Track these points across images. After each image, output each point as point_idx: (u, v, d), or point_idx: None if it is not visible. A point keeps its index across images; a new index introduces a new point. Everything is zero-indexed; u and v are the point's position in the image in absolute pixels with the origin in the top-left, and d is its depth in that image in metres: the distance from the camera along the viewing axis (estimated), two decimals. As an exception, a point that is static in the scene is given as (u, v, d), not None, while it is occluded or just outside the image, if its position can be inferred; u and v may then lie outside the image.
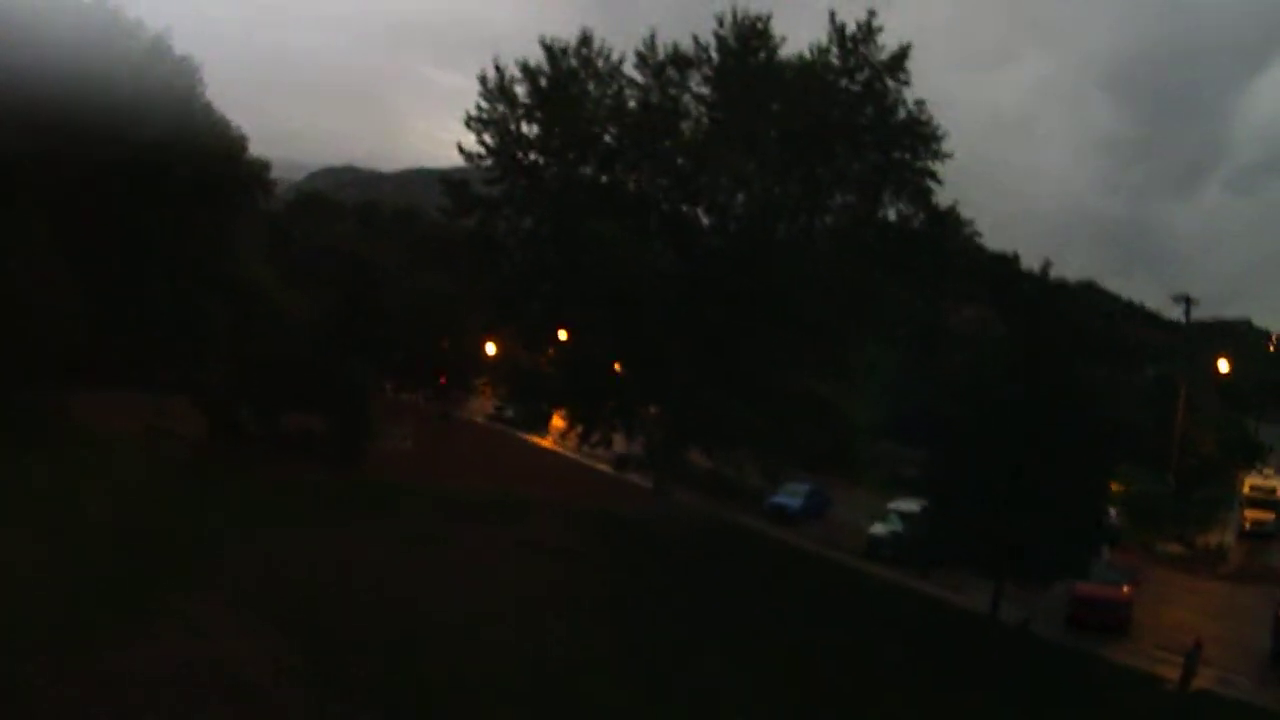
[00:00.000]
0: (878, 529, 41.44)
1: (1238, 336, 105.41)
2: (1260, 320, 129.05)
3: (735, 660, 25.75)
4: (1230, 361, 60.22)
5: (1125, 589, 35.91)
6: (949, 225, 40.95)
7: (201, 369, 44.98)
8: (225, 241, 55.94)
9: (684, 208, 41.21)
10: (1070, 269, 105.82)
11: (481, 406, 73.82)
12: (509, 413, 67.86)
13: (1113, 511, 44.19)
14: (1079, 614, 34.81)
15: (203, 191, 51.77)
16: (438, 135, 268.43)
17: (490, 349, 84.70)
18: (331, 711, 17.28)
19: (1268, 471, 60.52)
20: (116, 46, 51.10)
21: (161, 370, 45.66)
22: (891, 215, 41.52)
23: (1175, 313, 62.40)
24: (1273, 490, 55.01)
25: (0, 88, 46.22)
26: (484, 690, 19.86)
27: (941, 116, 40.42)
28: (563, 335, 44.09)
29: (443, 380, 72.10)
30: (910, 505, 39.41)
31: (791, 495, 46.86)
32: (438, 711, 18.80)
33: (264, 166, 58.91)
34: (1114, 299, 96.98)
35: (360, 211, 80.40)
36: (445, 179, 42.53)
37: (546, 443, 63.50)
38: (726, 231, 40.67)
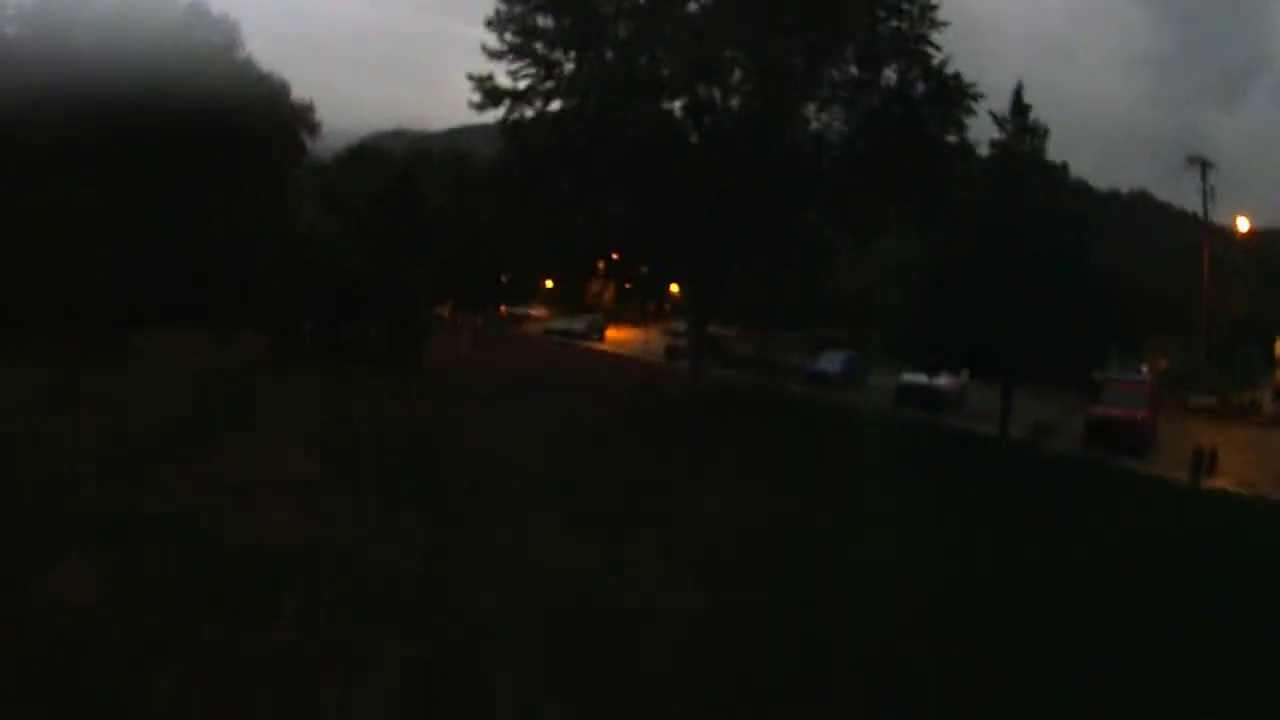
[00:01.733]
0: (907, 378, 43.91)
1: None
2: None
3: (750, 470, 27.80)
4: (1250, 220, 60.00)
5: (1142, 412, 37.50)
6: (951, 89, 42.62)
7: (256, 297, 48.68)
8: (276, 184, 59.91)
9: (699, 89, 43.58)
10: (1122, 181, 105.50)
11: (538, 329, 77.52)
12: (562, 326, 71.66)
13: (1144, 368, 45.77)
14: (1095, 434, 36.26)
15: (250, 136, 55.53)
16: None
17: (548, 284, 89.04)
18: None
19: None
20: (157, 9, 55.16)
21: (219, 309, 49.59)
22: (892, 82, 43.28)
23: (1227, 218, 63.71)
24: None
25: (54, 54, 50.87)
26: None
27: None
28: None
29: (501, 309, 76.22)
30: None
31: (830, 361, 49.96)
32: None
33: (308, 108, 62.59)
34: (1165, 208, 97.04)
35: (410, 160, 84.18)
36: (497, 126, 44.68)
37: (603, 346, 67.03)
38: (737, 106, 43.02)
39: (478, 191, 70.20)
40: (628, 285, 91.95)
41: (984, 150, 39.77)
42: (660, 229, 44.07)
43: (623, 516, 19.43)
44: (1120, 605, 15.53)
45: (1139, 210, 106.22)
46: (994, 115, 37.32)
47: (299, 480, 19.59)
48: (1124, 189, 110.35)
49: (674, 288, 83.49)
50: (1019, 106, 36.24)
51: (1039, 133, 35.98)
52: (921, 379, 42.28)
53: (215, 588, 12.88)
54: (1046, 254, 33.42)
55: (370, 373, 40.29)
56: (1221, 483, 31.47)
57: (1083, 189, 65.28)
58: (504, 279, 77.68)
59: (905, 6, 42.61)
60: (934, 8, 42.59)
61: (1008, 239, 33.68)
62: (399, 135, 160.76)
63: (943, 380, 42.35)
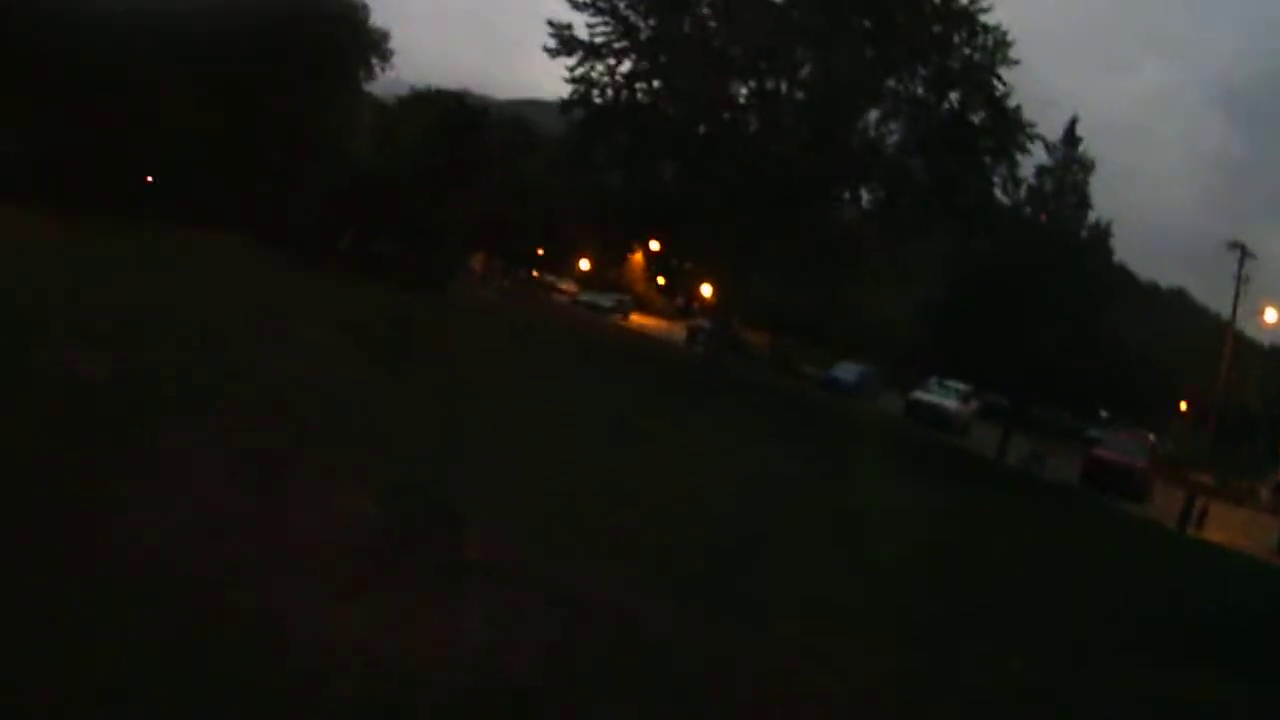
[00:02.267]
0: (918, 394, 44.42)
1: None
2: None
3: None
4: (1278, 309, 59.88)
5: (1143, 462, 37.96)
6: (1009, 121, 43.31)
7: (301, 208, 49.65)
8: (341, 104, 60.96)
9: (766, 78, 44.42)
10: (1164, 277, 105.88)
11: (565, 301, 78.37)
12: (589, 299, 72.43)
13: (1150, 437, 46.24)
14: (1094, 474, 36.51)
15: (324, 50, 56.51)
16: (554, 68, 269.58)
17: (584, 264, 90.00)
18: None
19: None
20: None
21: (261, 215, 50.50)
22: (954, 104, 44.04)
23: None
24: None
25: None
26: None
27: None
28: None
29: (535, 273, 77.32)
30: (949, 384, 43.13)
31: (845, 371, 50.26)
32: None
33: (384, 35, 63.30)
34: (1201, 310, 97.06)
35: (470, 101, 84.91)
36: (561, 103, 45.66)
37: (625, 322, 67.81)
38: (801, 100, 43.83)
39: (532, 155, 71.39)
40: (660, 280, 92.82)
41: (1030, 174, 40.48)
42: (705, 202, 44.76)
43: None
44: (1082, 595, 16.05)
45: (1174, 306, 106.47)
46: (1044, 140, 38.14)
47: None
48: (1164, 285, 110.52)
49: (706, 289, 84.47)
50: (1071, 136, 37.04)
51: (1086, 165, 36.72)
52: (932, 398, 42.81)
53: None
54: (1061, 275, 34.14)
55: (389, 290, 40.92)
56: (1208, 536, 31.78)
57: (1123, 272, 65.90)
58: (540, 249, 79.16)
59: (981, 38, 43.35)
60: (1009, 44, 43.28)
61: (1029, 251, 34.41)
62: (462, 96, 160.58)
63: (952, 402, 42.88)
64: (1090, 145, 42.59)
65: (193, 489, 8.24)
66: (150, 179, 52.06)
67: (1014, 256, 35.20)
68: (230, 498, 8.32)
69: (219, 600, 6.06)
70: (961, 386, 44.34)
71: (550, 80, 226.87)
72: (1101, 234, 37.90)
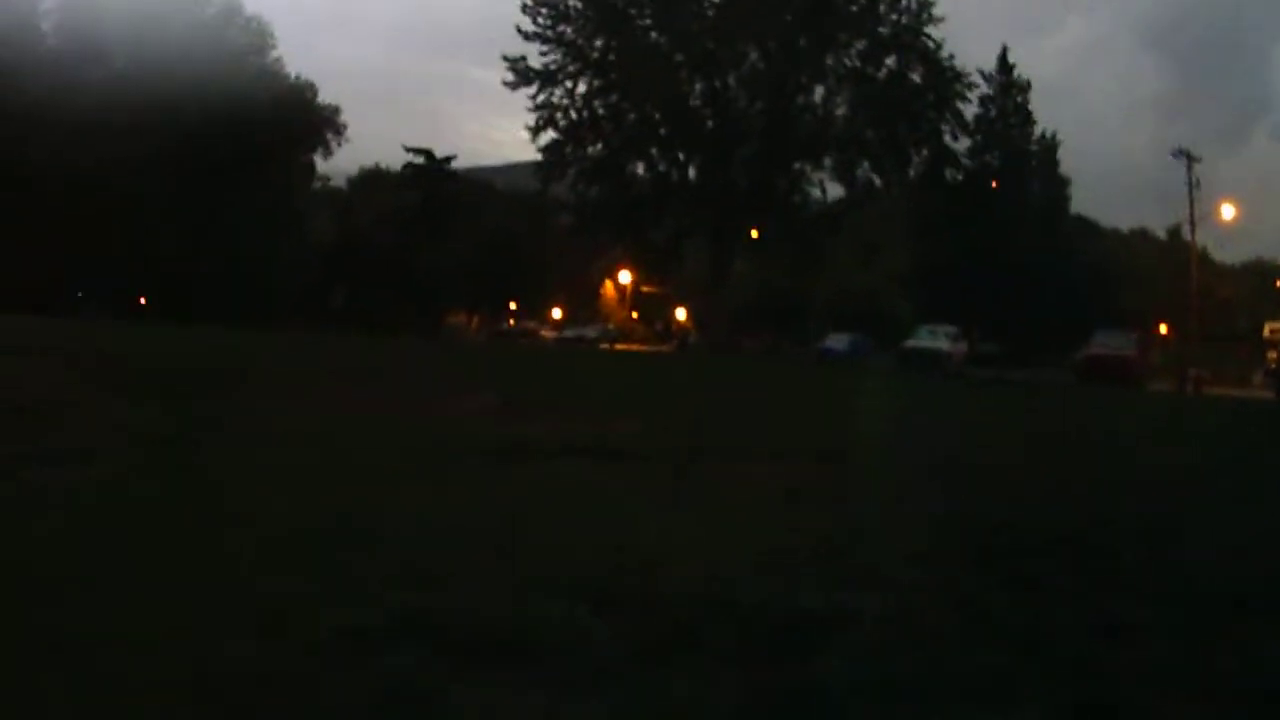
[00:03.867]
0: (909, 343, 47.19)
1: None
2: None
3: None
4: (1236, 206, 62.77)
5: (1133, 351, 40.76)
6: (946, 77, 47.01)
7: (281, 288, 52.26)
8: (300, 184, 64.07)
9: (714, 78, 48.04)
10: (1122, 220, 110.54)
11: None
12: (574, 333, 75.13)
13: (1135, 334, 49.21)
14: (1090, 369, 39.22)
15: (278, 134, 59.50)
16: (491, 135, 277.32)
17: (556, 313, 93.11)
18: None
19: None
20: (190, 7, 59.53)
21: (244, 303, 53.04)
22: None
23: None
24: None
25: (91, 57, 55.07)
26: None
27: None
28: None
29: (511, 322, 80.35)
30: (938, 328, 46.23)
31: (838, 340, 53.29)
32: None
33: (335, 110, 66.28)
34: (1166, 244, 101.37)
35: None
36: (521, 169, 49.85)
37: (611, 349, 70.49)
38: (748, 89, 47.48)
39: (495, 207, 74.74)
40: (635, 314, 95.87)
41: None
42: (679, 197, 48.04)
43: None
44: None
45: (1138, 243, 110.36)
46: (981, 72, 41.76)
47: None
48: (1125, 228, 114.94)
49: (680, 314, 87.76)
50: (1004, 64, 40.68)
51: (1022, 86, 40.32)
52: (924, 343, 45.62)
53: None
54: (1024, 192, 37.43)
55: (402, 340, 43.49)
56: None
57: (1086, 223, 69.81)
58: (513, 301, 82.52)
59: (905, 1, 47.26)
60: (930, 4, 47.15)
61: (990, 178, 37.70)
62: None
63: (943, 344, 45.64)
64: (1034, 105, 46.09)
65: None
66: (144, 299, 54.31)
67: (973, 195, 38.46)
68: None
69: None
70: (949, 329, 47.00)
71: (493, 146, 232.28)
72: (1049, 146, 41.40)
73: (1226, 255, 78.07)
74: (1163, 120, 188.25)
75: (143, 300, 54.67)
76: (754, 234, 49.03)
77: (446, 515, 5.63)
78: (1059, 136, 40.96)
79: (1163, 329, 66.71)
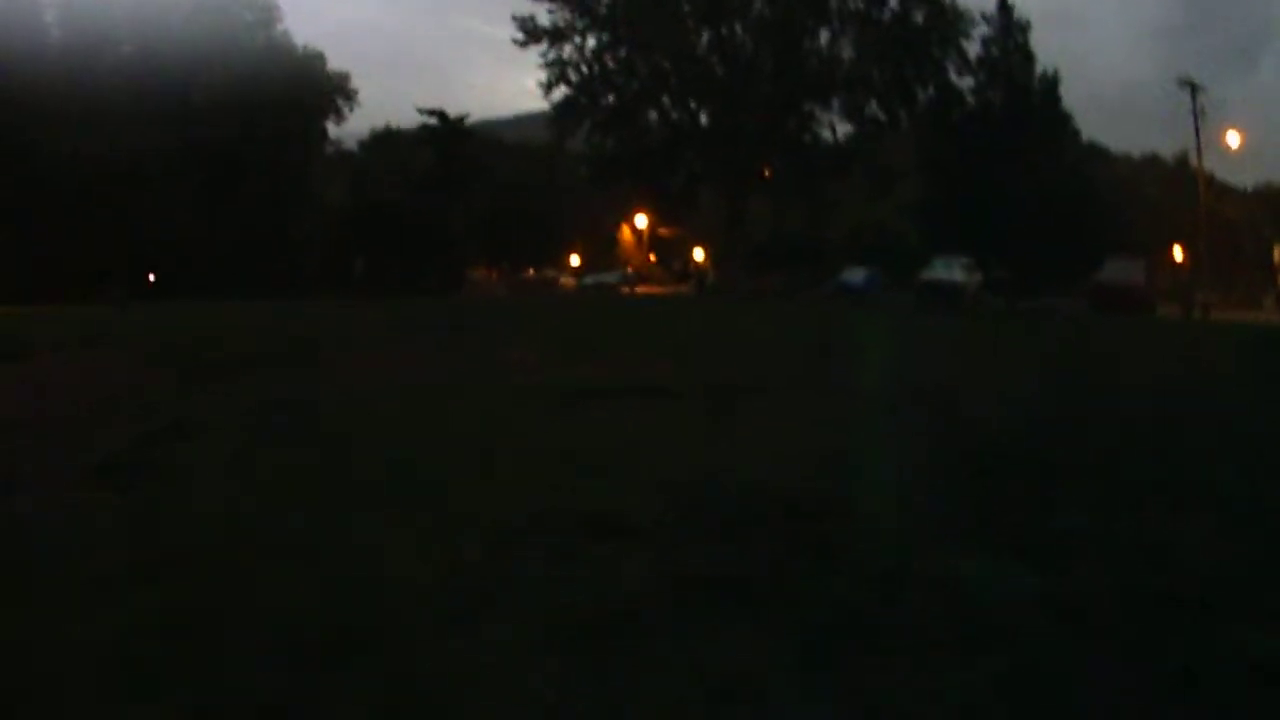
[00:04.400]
0: (925, 275, 48.71)
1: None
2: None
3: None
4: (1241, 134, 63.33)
5: (1140, 279, 42.21)
6: (948, 16, 48.24)
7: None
8: (312, 152, 65.44)
9: (720, 26, 49.35)
10: (1138, 146, 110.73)
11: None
12: (593, 280, 76.71)
13: (1143, 261, 50.59)
14: (1099, 298, 40.66)
15: (290, 104, 60.61)
16: (498, 87, 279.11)
17: (575, 260, 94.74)
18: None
19: None
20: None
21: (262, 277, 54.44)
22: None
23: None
24: None
25: (97, 41, 56.23)
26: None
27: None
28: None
29: (530, 271, 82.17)
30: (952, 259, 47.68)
31: (854, 274, 54.80)
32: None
33: (344, 76, 67.51)
34: (1177, 170, 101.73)
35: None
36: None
37: (636, 293, 72.20)
38: (755, 35, 48.80)
39: (507, 161, 76.10)
40: (652, 256, 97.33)
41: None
42: (692, 139, 49.61)
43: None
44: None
45: (1148, 170, 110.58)
46: (982, 15, 43.05)
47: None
48: (1136, 154, 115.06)
49: (698, 254, 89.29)
50: (1004, 4, 41.97)
51: (1023, 26, 41.70)
52: (940, 274, 47.13)
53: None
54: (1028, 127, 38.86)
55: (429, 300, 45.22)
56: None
57: (1098, 152, 70.87)
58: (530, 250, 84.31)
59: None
60: None
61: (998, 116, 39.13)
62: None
63: (958, 275, 47.12)
64: (1037, 38, 47.22)
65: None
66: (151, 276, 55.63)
67: (977, 130, 39.89)
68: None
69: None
70: (964, 260, 48.37)
71: (500, 98, 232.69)
72: (1050, 82, 42.77)
73: (1238, 179, 78.64)
74: (1174, 46, 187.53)
75: (158, 280, 55.79)
76: (766, 174, 50.38)
77: (559, 441, 7.53)
78: (1061, 71, 42.23)
79: (1177, 254, 68.06)
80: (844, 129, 50.83)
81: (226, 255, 55.16)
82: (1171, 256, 64.66)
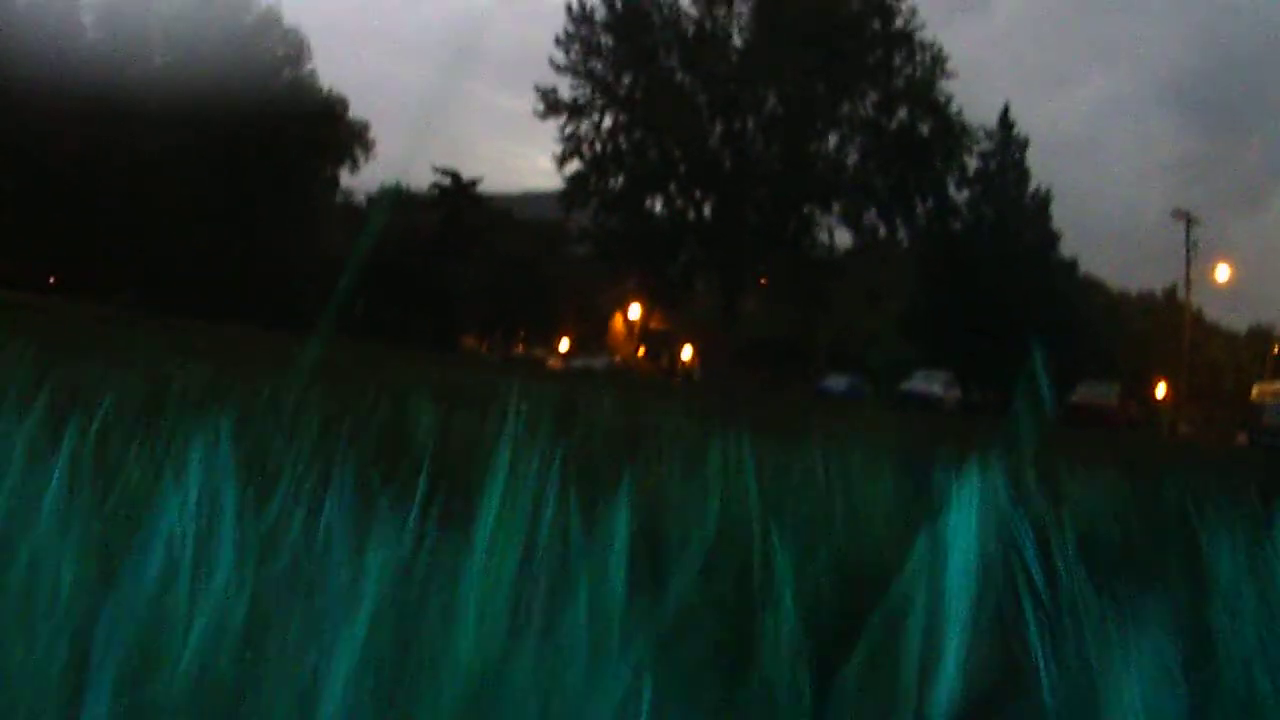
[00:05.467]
0: (907, 385, 50.42)
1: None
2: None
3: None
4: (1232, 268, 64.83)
5: (1114, 401, 44.11)
6: (954, 131, 50.63)
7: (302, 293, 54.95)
8: (325, 198, 66.90)
9: (734, 119, 51.61)
10: (1136, 282, 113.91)
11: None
12: (581, 363, 78.08)
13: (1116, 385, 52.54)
14: (1073, 418, 42.19)
15: (308, 142, 62.19)
16: (508, 162, 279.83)
17: (564, 344, 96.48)
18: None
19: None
20: (230, 17, 62.31)
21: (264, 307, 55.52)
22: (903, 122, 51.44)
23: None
24: None
25: (130, 60, 57.85)
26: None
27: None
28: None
29: (520, 347, 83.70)
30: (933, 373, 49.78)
31: (836, 380, 56.62)
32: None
33: (364, 126, 69.04)
34: (1180, 305, 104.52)
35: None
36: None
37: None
38: (765, 133, 51.04)
39: (512, 234, 77.95)
40: (641, 350, 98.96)
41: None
42: (693, 228, 51.51)
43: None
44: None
45: (1144, 306, 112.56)
46: (984, 129, 45.41)
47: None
48: (1134, 291, 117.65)
49: (686, 352, 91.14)
50: (1005, 120, 44.38)
51: (1020, 143, 44.04)
52: (920, 386, 48.86)
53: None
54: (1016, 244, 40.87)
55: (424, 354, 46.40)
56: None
57: (1093, 284, 73.30)
58: (523, 328, 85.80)
59: (920, 55, 50.93)
60: (945, 59, 50.84)
61: (988, 230, 41.16)
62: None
63: (937, 388, 48.88)
64: (1050, 161, 49.77)
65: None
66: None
67: (968, 251, 42.03)
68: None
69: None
70: (944, 375, 50.46)
71: (510, 174, 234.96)
72: (1042, 200, 45.02)
73: (1232, 320, 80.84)
74: (1181, 182, 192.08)
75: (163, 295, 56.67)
76: (763, 282, 52.29)
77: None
78: (1053, 191, 44.56)
79: (1160, 389, 69.76)
80: (843, 237, 52.81)
81: (231, 279, 56.25)
82: (1152, 388, 66.37)
